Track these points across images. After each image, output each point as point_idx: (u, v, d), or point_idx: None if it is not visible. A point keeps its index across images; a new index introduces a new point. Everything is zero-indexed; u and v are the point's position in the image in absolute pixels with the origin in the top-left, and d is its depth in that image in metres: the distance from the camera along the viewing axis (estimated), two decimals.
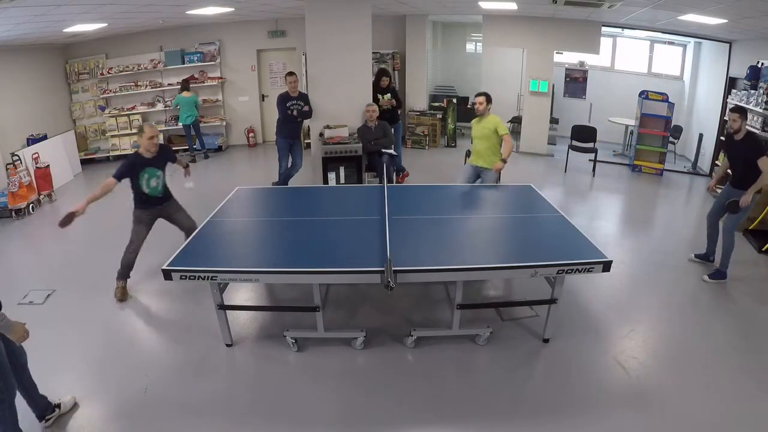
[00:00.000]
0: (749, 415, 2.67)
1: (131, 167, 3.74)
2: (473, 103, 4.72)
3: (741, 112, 3.88)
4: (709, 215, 4.33)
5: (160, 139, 3.77)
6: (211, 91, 8.79)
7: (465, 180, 4.82)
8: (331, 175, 5.90)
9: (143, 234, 3.87)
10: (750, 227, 4.99)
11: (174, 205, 4.05)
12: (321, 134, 6.10)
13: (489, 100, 4.65)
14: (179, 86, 8.06)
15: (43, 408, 2.58)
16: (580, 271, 2.90)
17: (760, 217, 4.93)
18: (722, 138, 6.88)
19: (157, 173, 3.85)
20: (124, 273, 3.89)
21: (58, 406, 2.64)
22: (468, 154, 6.62)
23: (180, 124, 8.09)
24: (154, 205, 3.91)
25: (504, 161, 4.50)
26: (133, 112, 8.42)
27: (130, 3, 5.35)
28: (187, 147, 8.17)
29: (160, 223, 3.97)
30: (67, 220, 3.48)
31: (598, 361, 3.14)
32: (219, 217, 3.73)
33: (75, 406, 2.73)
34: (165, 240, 3.90)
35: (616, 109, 8.56)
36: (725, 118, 6.79)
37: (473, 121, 4.80)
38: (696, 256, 4.49)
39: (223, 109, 8.92)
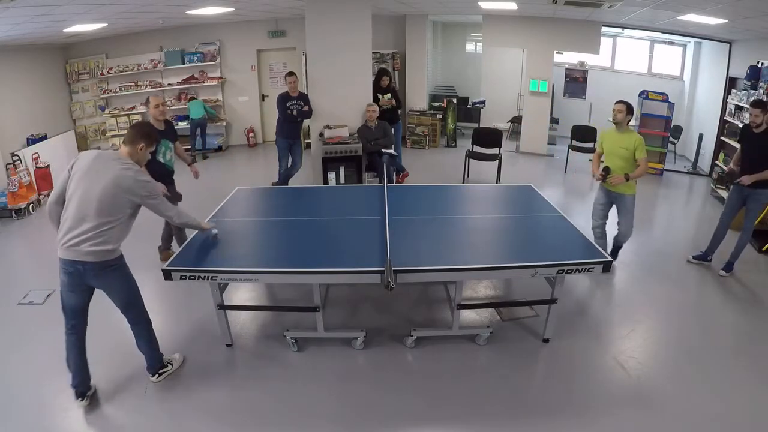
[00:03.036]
0: (749, 415, 2.68)
1: None
2: (613, 109, 3.89)
3: (762, 106, 3.82)
4: (723, 215, 4.29)
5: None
6: (211, 91, 8.79)
7: (600, 209, 4.12)
8: (331, 175, 5.90)
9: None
10: None
11: (174, 189, 4.16)
12: (321, 134, 6.10)
13: (630, 110, 3.84)
14: (190, 98, 8.35)
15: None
16: (580, 271, 2.90)
17: (759, 217, 4.92)
18: (722, 138, 6.89)
19: (169, 146, 4.05)
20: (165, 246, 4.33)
21: (170, 362, 3.01)
22: (469, 154, 6.67)
23: (190, 121, 8.16)
24: (167, 180, 3.99)
25: (627, 178, 3.81)
26: (133, 112, 8.44)
27: (130, 3, 5.35)
28: (189, 147, 8.18)
29: (157, 225, 3.96)
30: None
31: (598, 361, 3.14)
32: (219, 217, 3.72)
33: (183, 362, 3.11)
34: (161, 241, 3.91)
35: None
36: (726, 118, 6.85)
37: (607, 131, 4.01)
38: (694, 257, 4.48)
39: (223, 109, 8.92)
